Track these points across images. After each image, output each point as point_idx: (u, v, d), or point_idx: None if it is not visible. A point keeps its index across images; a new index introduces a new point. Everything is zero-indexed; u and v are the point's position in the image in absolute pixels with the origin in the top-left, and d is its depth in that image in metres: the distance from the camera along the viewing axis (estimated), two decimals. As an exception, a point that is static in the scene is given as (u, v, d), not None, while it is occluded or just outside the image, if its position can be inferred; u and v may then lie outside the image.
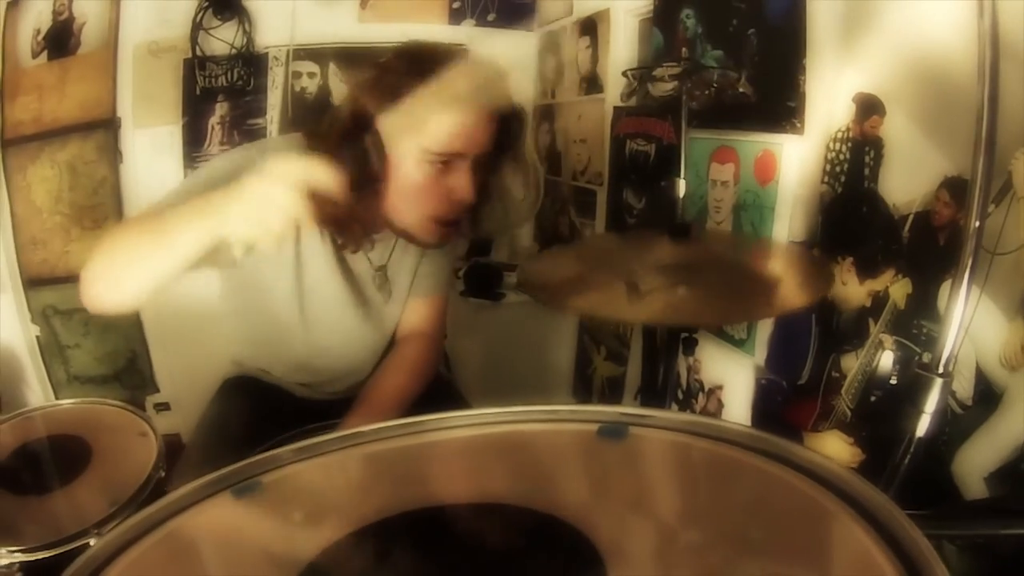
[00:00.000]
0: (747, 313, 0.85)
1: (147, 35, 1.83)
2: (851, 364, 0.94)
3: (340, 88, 1.91)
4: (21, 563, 0.84)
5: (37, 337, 1.99)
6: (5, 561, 0.84)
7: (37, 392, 2.01)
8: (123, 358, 2.08)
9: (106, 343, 2.05)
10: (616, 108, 1.57)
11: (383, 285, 0.98)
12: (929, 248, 0.79)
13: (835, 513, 0.38)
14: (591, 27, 1.66)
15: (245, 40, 1.84)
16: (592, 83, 1.68)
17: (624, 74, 1.29)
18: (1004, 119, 0.68)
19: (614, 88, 1.58)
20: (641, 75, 1.18)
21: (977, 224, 0.57)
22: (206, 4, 1.80)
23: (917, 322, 0.81)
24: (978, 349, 0.74)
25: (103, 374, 2.10)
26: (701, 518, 0.43)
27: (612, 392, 1.75)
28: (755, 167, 1.12)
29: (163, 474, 0.98)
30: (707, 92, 0.98)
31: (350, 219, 0.82)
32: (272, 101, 1.90)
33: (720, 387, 1.30)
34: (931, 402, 0.55)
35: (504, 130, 0.84)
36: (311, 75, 1.89)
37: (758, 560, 0.37)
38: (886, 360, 0.75)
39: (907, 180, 0.83)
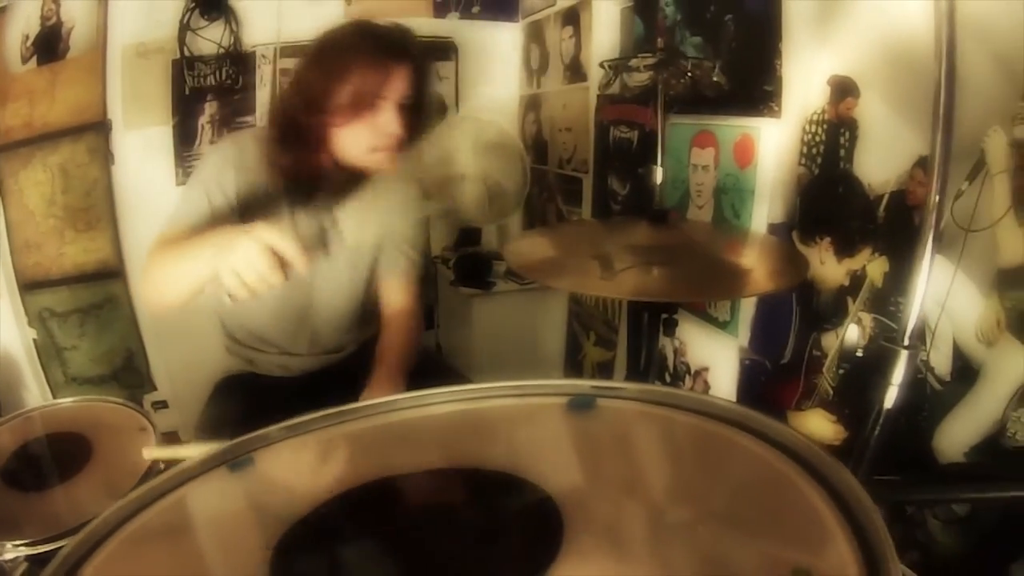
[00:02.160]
0: (717, 292, 0.84)
1: (135, 37, 1.79)
2: (831, 343, 0.93)
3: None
4: (27, 556, 0.86)
5: (34, 340, 1.96)
6: (11, 555, 0.86)
7: (36, 395, 1.98)
8: (120, 357, 2.06)
9: (103, 343, 2.02)
10: (600, 96, 1.55)
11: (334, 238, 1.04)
12: (904, 227, 0.78)
13: (785, 472, 0.39)
14: (574, 17, 1.64)
15: (232, 39, 1.81)
16: (576, 72, 1.66)
17: (601, 65, 1.28)
18: (974, 98, 0.67)
19: (597, 76, 1.55)
20: (617, 65, 1.17)
21: (938, 199, 0.56)
22: (192, 5, 1.77)
23: (894, 299, 0.80)
24: (955, 325, 0.73)
25: (100, 374, 2.07)
26: (655, 476, 0.46)
27: (602, 376, 1.75)
28: (734, 151, 1.10)
29: (163, 467, 0.99)
30: (682, 81, 0.97)
31: (302, 172, 0.93)
32: (261, 98, 1.87)
33: (706, 369, 1.30)
34: (898, 374, 0.54)
35: (418, 76, 0.92)
36: (298, 72, 1.87)
37: (701, 507, 0.38)
38: (852, 334, 0.74)
39: (882, 160, 0.81)
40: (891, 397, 0.54)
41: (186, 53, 1.79)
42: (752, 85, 1.03)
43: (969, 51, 0.66)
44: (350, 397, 0.98)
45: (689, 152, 1.22)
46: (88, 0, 1.76)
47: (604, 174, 1.59)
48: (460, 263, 1.93)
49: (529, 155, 1.92)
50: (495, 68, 2.00)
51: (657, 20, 1.27)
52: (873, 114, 0.82)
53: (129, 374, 2.06)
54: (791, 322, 1.01)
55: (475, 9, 1.94)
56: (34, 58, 1.78)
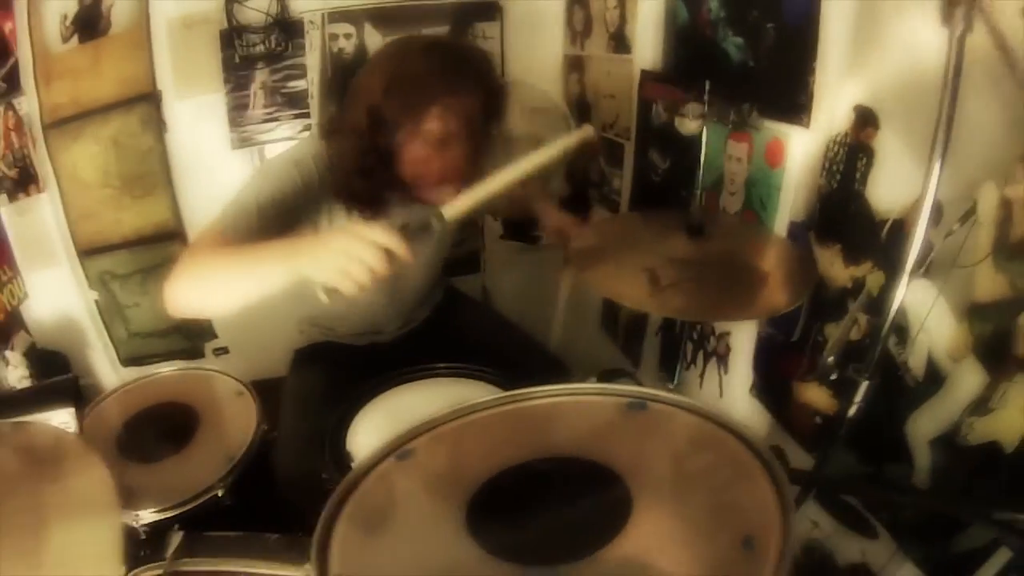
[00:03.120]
0: (746, 313, 1.04)
1: (178, 10, 1.88)
2: (832, 331, 1.12)
3: (376, 45, 1.99)
4: (152, 523, 0.98)
5: (96, 302, 2.14)
6: (151, 519, 0.99)
7: (100, 352, 2.20)
8: None
9: None
10: (643, 71, 1.64)
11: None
12: (901, 251, 0.93)
13: (747, 460, 0.67)
14: (619, -14, 1.70)
15: (279, 7, 1.91)
16: (620, 43, 1.74)
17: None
18: (979, 147, 0.82)
19: (642, 49, 1.64)
20: (668, 105, 1.27)
21: (923, 236, 0.73)
22: None
23: (884, 309, 0.98)
24: (931, 339, 0.91)
25: (162, 328, 2.26)
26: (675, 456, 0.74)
27: (636, 329, 1.96)
28: (766, 151, 1.24)
29: (265, 427, 1.22)
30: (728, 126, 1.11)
31: (371, 196, 1.04)
32: (311, 63, 1.99)
33: (728, 333, 1.49)
34: (859, 396, 0.74)
35: (489, 104, 1.00)
36: (347, 36, 1.98)
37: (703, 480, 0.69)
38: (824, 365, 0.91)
39: (890, 189, 0.96)
40: (853, 410, 0.75)
41: (233, 23, 1.90)
42: (787, 94, 1.15)
43: (980, 102, 0.79)
44: (427, 359, 1.19)
45: (726, 142, 1.35)
46: None
47: (645, 146, 1.72)
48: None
49: (573, 116, 2.04)
50: (539, 28, 2.08)
51: (702, 11, 1.36)
52: (889, 146, 0.96)
53: (190, 325, 2.26)
54: (801, 308, 1.19)
55: (519, -33, 1.99)
56: (75, 37, 1.87)
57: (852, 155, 1.02)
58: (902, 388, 0.96)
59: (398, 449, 0.76)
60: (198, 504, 1.02)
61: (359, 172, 1.01)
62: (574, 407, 0.84)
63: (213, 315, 0.92)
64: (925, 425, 0.93)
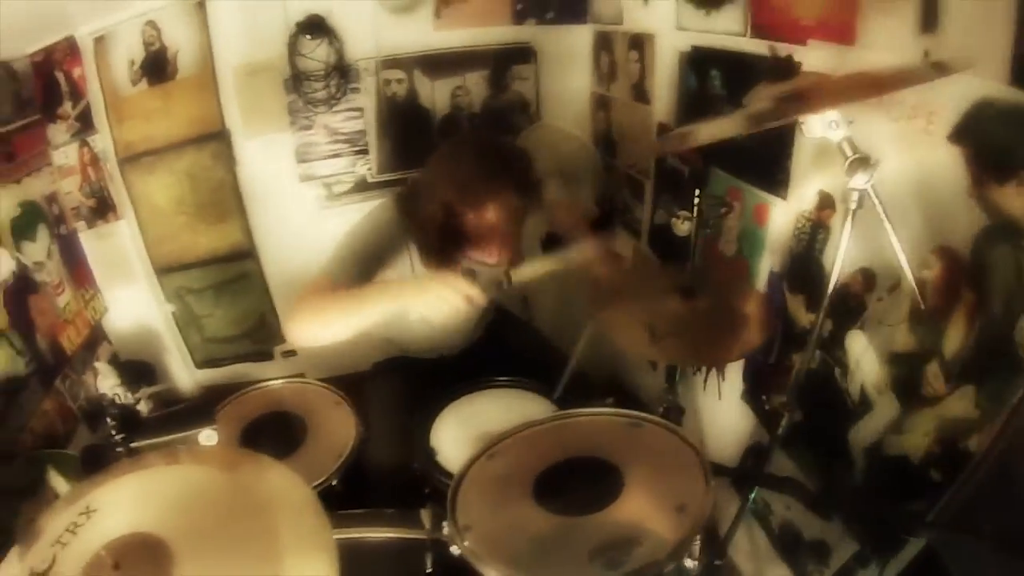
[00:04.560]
0: (728, 357, 1.44)
1: (242, 57, 2.23)
2: (796, 360, 1.49)
3: (426, 88, 2.38)
4: None
5: (172, 313, 2.55)
6: None
7: (176, 357, 2.63)
8: (253, 319, 2.66)
9: (237, 309, 2.62)
10: (660, 124, 2.00)
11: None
12: (847, 307, 1.31)
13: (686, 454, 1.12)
14: (639, 43, 2.05)
15: (336, 57, 2.28)
16: (640, 93, 2.10)
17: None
18: (908, 228, 1.16)
19: (660, 103, 2.00)
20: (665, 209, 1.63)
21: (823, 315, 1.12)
22: (297, 30, 2.22)
23: (832, 349, 1.36)
24: (864, 375, 1.30)
25: (234, 334, 2.67)
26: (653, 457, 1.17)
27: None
28: (754, 211, 1.61)
29: (363, 431, 1.64)
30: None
31: (445, 257, 1.46)
32: (367, 105, 2.40)
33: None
34: (783, 427, 1.13)
35: (528, 194, 1.40)
36: (399, 81, 2.37)
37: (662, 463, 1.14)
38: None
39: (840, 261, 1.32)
40: (778, 433, 1.15)
41: (296, 71, 2.27)
42: (771, 169, 1.51)
43: (909, 190, 1.13)
44: (483, 371, 1.62)
45: (724, 197, 1.72)
46: (189, 26, 2.15)
47: (661, 187, 2.08)
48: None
49: (599, 150, 2.41)
50: (569, 69, 2.45)
51: (707, 83, 1.72)
52: (839, 227, 1.32)
53: (261, 331, 2.67)
54: (776, 341, 1.57)
55: (549, 15, 2.36)
56: (143, 80, 2.20)
57: (814, 229, 1.40)
58: (845, 408, 1.35)
59: (487, 451, 1.26)
60: (319, 492, 1.43)
61: (437, 242, 1.44)
62: (596, 423, 1.30)
63: (326, 343, 1.33)
64: (859, 437, 1.32)
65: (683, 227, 1.37)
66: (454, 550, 1.06)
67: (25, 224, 1.82)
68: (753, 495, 1.40)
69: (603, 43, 2.34)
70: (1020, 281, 0.97)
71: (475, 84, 2.43)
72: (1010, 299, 0.99)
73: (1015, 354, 0.97)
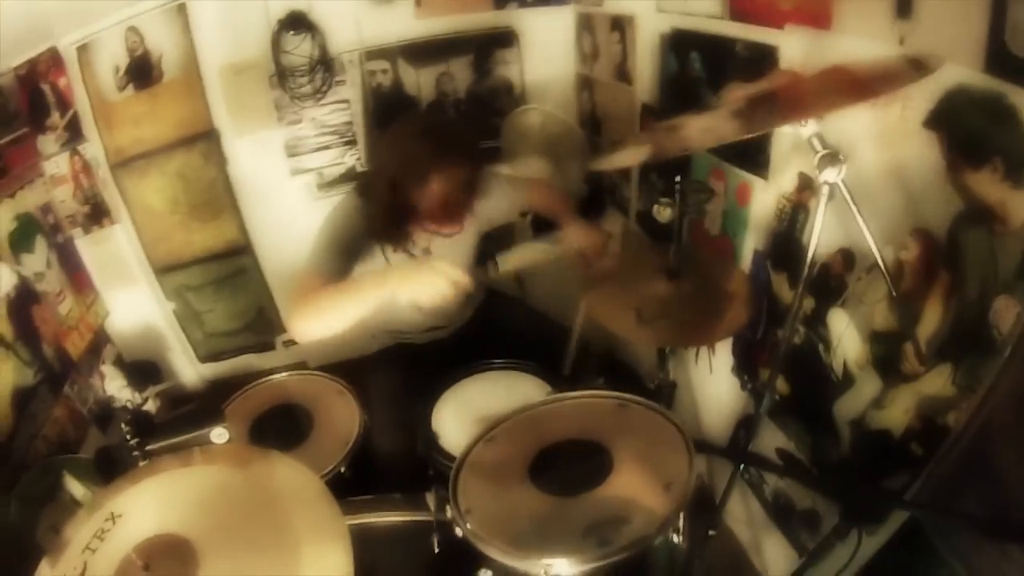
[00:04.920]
0: (714, 337, 1.50)
1: (227, 57, 2.24)
2: (780, 334, 1.55)
3: (410, 77, 2.40)
4: None
5: (173, 310, 2.60)
6: None
7: (180, 354, 2.69)
8: (253, 312, 2.72)
9: (236, 303, 2.67)
10: (643, 104, 2.03)
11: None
12: (827, 286, 1.36)
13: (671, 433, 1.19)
14: (620, 25, 2.06)
15: (320, 51, 2.29)
16: (622, 74, 2.12)
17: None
18: (886, 211, 1.21)
19: (642, 83, 2.02)
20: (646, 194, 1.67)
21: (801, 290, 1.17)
22: (278, 26, 2.22)
23: (815, 326, 1.42)
24: (845, 352, 1.36)
25: (235, 328, 2.73)
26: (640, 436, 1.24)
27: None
28: (736, 191, 1.66)
29: (367, 419, 1.71)
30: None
31: (398, 235, 1.55)
32: (353, 97, 2.42)
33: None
34: (764, 405, 1.20)
35: (475, 166, 1.47)
36: (383, 71, 2.39)
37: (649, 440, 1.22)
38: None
39: (821, 240, 1.37)
40: (766, 404, 1.22)
41: (280, 68, 2.28)
42: (752, 151, 1.55)
43: (888, 188, 1.18)
44: (480, 354, 1.69)
45: (708, 178, 1.76)
46: (171, 29, 2.15)
47: (647, 167, 2.12)
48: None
49: (585, 130, 2.44)
50: (552, 52, 2.46)
51: (687, 66, 1.75)
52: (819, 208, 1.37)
53: (261, 323, 2.72)
54: (762, 317, 1.63)
55: (530, -1, 2.36)
56: (130, 86, 2.20)
57: (795, 210, 1.44)
58: (828, 383, 1.41)
59: (486, 436, 1.31)
60: (328, 480, 1.51)
61: (390, 219, 1.51)
62: (587, 405, 1.36)
63: (328, 336, 1.38)
64: (843, 411, 1.39)
65: (665, 214, 1.42)
66: (458, 531, 1.14)
67: (22, 236, 1.86)
68: (742, 467, 1.47)
69: (585, 24, 2.35)
70: (994, 265, 1.01)
71: (459, 70, 2.44)
72: (984, 281, 1.03)
73: (989, 334, 1.02)
